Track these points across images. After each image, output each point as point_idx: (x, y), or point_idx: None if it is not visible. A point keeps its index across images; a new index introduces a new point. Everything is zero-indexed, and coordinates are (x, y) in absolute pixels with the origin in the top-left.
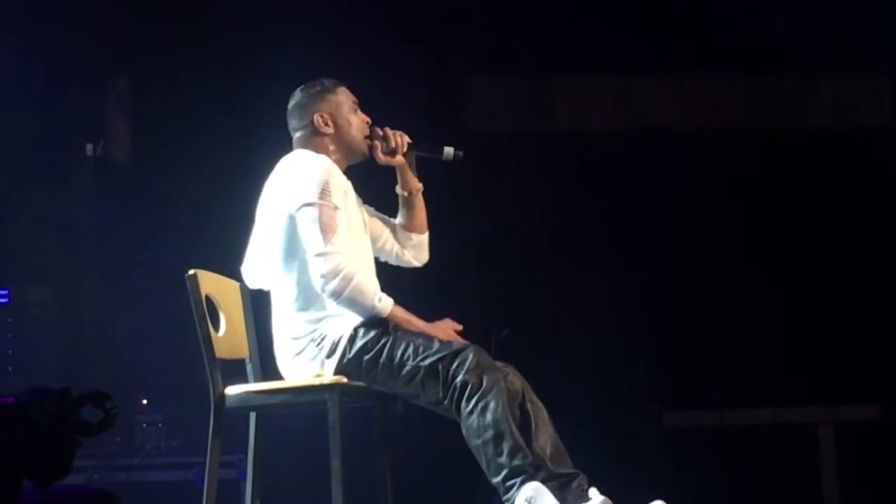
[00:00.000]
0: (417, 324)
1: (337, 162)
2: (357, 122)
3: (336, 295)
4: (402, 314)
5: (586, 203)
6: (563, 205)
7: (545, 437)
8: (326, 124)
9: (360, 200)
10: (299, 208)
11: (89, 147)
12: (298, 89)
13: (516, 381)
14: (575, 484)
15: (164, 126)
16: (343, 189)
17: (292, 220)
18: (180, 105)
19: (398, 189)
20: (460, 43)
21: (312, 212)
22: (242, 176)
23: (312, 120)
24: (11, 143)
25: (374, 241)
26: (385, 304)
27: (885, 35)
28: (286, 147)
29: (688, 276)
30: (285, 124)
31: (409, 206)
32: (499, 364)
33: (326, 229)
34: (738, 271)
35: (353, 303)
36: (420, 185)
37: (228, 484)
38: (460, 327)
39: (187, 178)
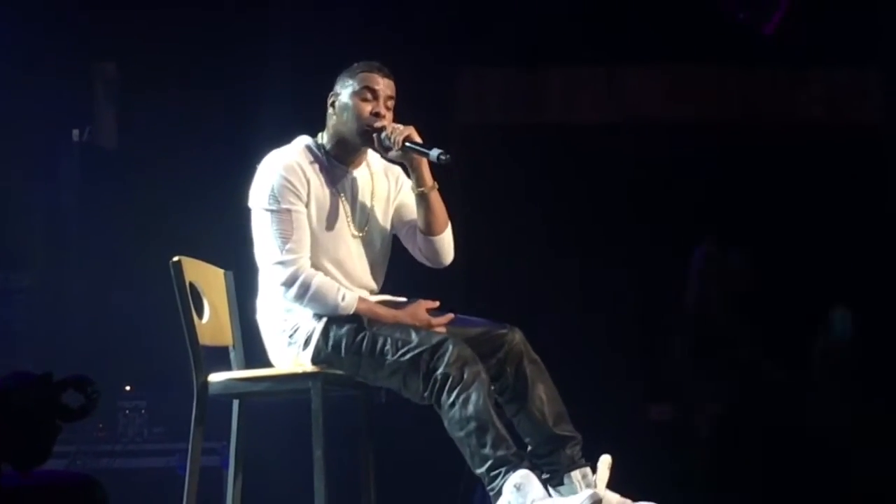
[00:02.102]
0: (384, 315)
1: (338, 146)
2: (357, 109)
3: (298, 300)
4: (368, 307)
5: (575, 194)
6: (552, 196)
7: (543, 396)
8: (332, 105)
9: (376, 192)
10: (256, 213)
11: (75, 133)
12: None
13: (516, 340)
14: (567, 450)
15: (150, 112)
16: (306, 187)
17: (255, 220)
18: (167, 91)
19: (412, 187)
20: (450, 35)
21: (266, 218)
22: (228, 163)
23: (328, 98)
24: None
25: (396, 231)
26: (348, 302)
27: (875, 31)
28: (273, 134)
29: (677, 266)
30: (273, 110)
31: (422, 205)
32: (496, 325)
33: (281, 235)
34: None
35: (316, 305)
36: (432, 183)
37: (211, 471)
38: (436, 304)
39: (173, 164)
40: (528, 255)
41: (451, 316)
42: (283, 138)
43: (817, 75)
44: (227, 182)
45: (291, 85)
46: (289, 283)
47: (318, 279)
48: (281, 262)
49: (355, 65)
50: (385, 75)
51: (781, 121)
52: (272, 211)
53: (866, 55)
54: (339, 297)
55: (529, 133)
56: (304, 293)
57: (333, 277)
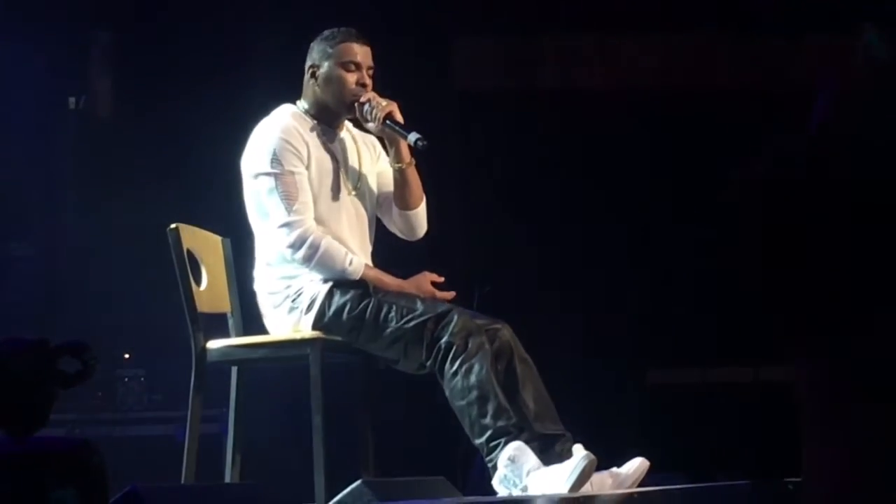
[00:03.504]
0: (390, 283)
1: (321, 113)
2: (343, 82)
3: (305, 262)
4: (375, 274)
5: (571, 161)
6: (548, 163)
7: (532, 395)
8: (313, 76)
9: (362, 156)
10: (256, 178)
11: (72, 101)
12: (325, 30)
13: (506, 336)
14: (559, 445)
15: (146, 80)
16: (305, 149)
17: (254, 186)
18: (163, 59)
19: (390, 162)
20: (446, 2)
21: (269, 182)
22: (225, 131)
23: (307, 67)
24: None
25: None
26: (356, 266)
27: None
28: (270, 101)
29: (676, 235)
30: (270, 79)
31: (399, 180)
32: (489, 319)
33: (287, 197)
34: (722, 229)
35: (323, 268)
36: (410, 160)
37: (210, 438)
38: (441, 279)
39: (169, 132)
40: (523, 220)
41: (453, 293)
42: (278, 104)
43: (813, 41)
44: (223, 149)
45: (286, 52)
46: (296, 245)
47: (327, 242)
48: (287, 224)
49: (330, 33)
50: (364, 43)
51: (779, 88)
52: (275, 174)
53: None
54: (347, 262)
55: (525, 100)
56: (313, 255)
57: (334, 236)
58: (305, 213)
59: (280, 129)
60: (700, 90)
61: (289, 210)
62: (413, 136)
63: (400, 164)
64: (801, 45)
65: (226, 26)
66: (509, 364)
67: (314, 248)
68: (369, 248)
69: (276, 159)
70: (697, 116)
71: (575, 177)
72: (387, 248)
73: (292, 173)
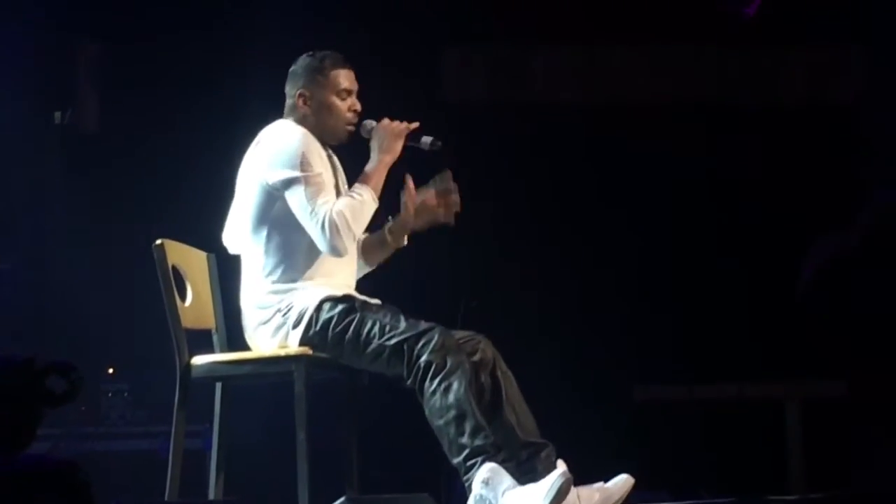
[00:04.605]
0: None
1: (314, 133)
2: (339, 111)
3: (338, 242)
4: (376, 182)
5: (559, 174)
6: (536, 176)
7: (514, 406)
8: (305, 103)
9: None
10: (287, 186)
11: (57, 115)
12: (303, 55)
13: (487, 350)
14: (543, 454)
15: (132, 95)
16: (322, 157)
17: (267, 191)
18: (150, 73)
19: (386, 228)
20: (436, 14)
21: (298, 187)
22: (211, 146)
23: (296, 94)
24: None
25: None
26: (367, 197)
27: (858, 10)
28: (257, 118)
29: (657, 251)
30: (258, 95)
31: (382, 248)
32: (470, 333)
33: (314, 196)
34: (707, 246)
35: (356, 226)
36: (404, 244)
37: (194, 454)
38: (416, 124)
39: (155, 147)
40: (510, 233)
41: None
42: (267, 118)
43: (798, 54)
44: (209, 166)
45: (275, 68)
46: (325, 234)
47: (337, 210)
48: (316, 221)
49: (317, 60)
50: (350, 66)
51: (763, 100)
52: (304, 177)
53: (848, 34)
54: (361, 205)
55: (514, 112)
56: (335, 233)
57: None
58: (325, 200)
59: (302, 134)
60: (689, 103)
61: (316, 208)
62: (427, 140)
63: (394, 241)
64: (788, 59)
65: (213, 41)
66: (492, 376)
67: (333, 226)
68: (356, 264)
69: (305, 161)
70: (686, 130)
71: (563, 191)
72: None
73: (318, 174)
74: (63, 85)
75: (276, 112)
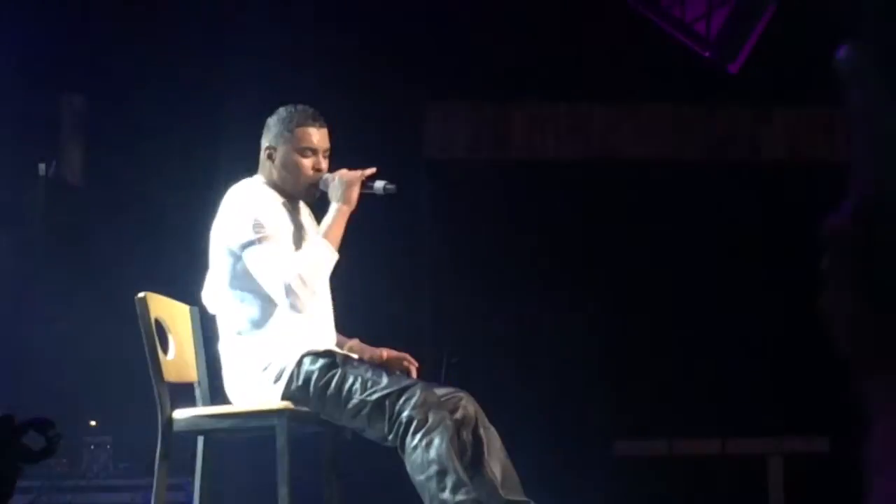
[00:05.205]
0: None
1: (281, 192)
2: (299, 168)
3: (296, 301)
4: (335, 234)
5: (541, 230)
6: (518, 232)
7: (497, 462)
8: (269, 157)
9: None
10: (244, 250)
11: (41, 167)
12: (280, 108)
13: (469, 406)
14: None
15: (116, 147)
16: (278, 212)
17: (233, 254)
18: (134, 126)
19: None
20: (418, 71)
21: (253, 251)
22: (194, 199)
23: (265, 147)
24: None
25: None
26: (325, 253)
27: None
28: (241, 168)
29: (640, 305)
30: (239, 147)
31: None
32: (452, 390)
33: (269, 258)
34: (691, 300)
35: (315, 283)
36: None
37: None
38: (372, 170)
39: (139, 200)
40: (492, 290)
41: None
42: (248, 171)
43: (781, 114)
44: (192, 219)
45: (257, 119)
46: (285, 294)
47: (294, 273)
48: (275, 281)
49: (287, 114)
50: (321, 125)
51: (746, 158)
52: (258, 239)
53: (830, 94)
54: (317, 258)
55: (496, 169)
56: (292, 290)
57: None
58: (278, 256)
59: (257, 197)
60: (670, 161)
61: (282, 271)
62: (380, 184)
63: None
64: (770, 117)
65: (195, 94)
66: (474, 432)
67: (289, 288)
68: (332, 317)
69: (259, 224)
70: (667, 188)
71: (544, 247)
72: (355, 317)
73: (271, 235)
74: (47, 137)
75: (255, 165)
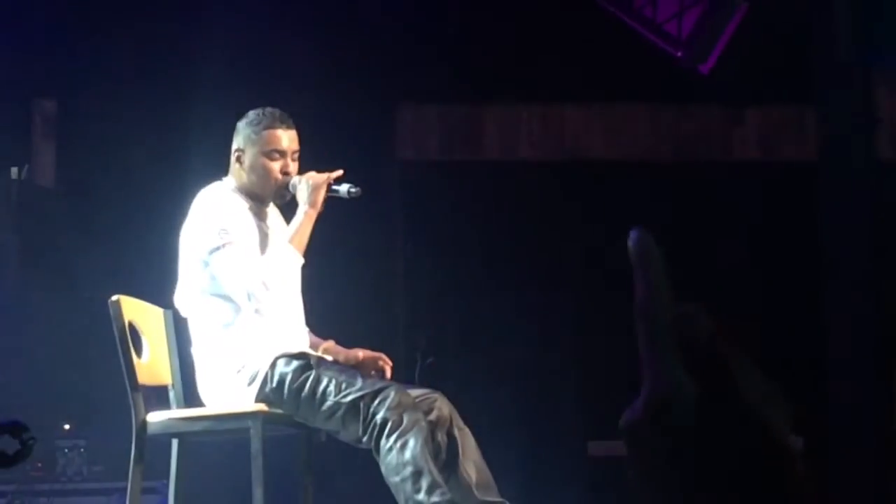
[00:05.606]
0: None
1: (248, 194)
2: (267, 171)
3: (261, 306)
4: (300, 237)
5: (514, 232)
6: (491, 233)
7: (472, 463)
8: (238, 160)
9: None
10: (210, 254)
11: (14, 171)
12: (250, 111)
13: (444, 407)
14: None
15: (88, 151)
16: (244, 218)
17: (198, 257)
18: (105, 130)
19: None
20: (390, 72)
21: (219, 257)
22: (166, 203)
23: (234, 150)
24: None
25: None
26: (290, 257)
27: (812, 70)
28: (211, 172)
29: (614, 305)
30: (211, 151)
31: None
32: (426, 391)
33: (234, 263)
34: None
35: (281, 286)
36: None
37: None
38: (338, 172)
39: (111, 203)
40: (465, 291)
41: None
42: (217, 178)
43: (754, 113)
44: (164, 222)
45: (227, 127)
46: (249, 296)
47: (256, 273)
48: (241, 284)
49: (256, 116)
50: (288, 127)
51: (718, 159)
52: (224, 245)
53: (802, 93)
54: (282, 262)
55: (468, 170)
56: (254, 290)
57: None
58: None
59: (222, 202)
60: (642, 162)
61: (245, 276)
62: (345, 187)
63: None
64: (743, 117)
65: (166, 98)
66: (448, 434)
67: (252, 287)
68: (303, 318)
69: (224, 230)
70: (640, 188)
71: (517, 248)
72: (329, 320)
73: (237, 240)
74: (19, 142)
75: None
